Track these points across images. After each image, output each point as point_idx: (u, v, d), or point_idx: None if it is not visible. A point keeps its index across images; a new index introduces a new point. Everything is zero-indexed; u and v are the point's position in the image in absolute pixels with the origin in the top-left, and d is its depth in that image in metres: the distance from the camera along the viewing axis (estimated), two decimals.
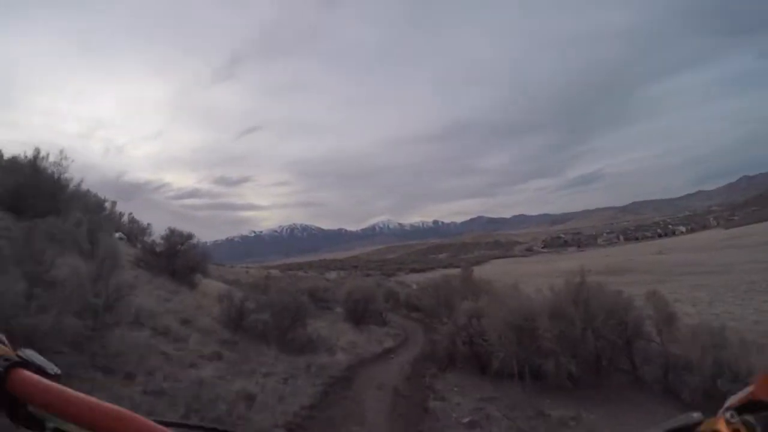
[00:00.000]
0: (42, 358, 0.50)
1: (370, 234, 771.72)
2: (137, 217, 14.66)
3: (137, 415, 0.44)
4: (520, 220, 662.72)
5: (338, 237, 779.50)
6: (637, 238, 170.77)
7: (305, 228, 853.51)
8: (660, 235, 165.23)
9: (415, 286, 27.64)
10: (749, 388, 0.40)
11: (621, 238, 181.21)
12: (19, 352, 0.50)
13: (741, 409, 0.40)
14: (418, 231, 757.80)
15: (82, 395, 0.45)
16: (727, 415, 0.39)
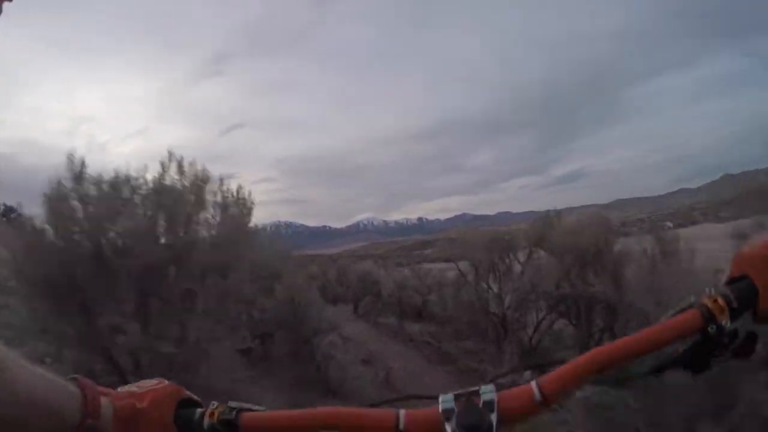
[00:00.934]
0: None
1: (354, 231, 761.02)
2: None
3: (354, 408, 0.47)
4: (504, 217, 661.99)
5: (323, 234, 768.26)
6: (626, 234, 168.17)
7: (290, 225, 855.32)
8: (650, 231, 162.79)
9: (408, 272, 15.16)
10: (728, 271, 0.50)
11: None
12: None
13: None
14: (402, 228, 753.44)
15: (299, 411, 0.49)
16: (709, 290, 0.48)
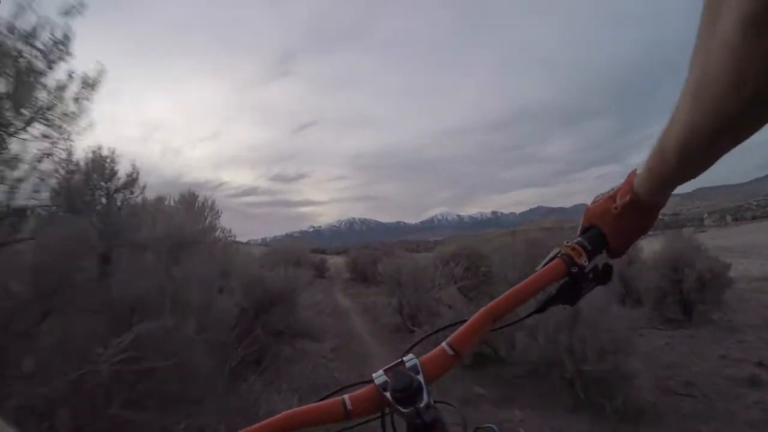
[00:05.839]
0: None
1: (428, 226, 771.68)
2: None
3: (306, 405, 0.55)
4: (581, 209, 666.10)
5: (397, 230, 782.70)
6: (754, 218, 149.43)
7: (364, 222, 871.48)
8: None
9: None
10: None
11: (729, 218, 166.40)
12: None
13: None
14: (476, 222, 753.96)
15: (260, 424, 0.52)
16: (566, 241, 0.63)
